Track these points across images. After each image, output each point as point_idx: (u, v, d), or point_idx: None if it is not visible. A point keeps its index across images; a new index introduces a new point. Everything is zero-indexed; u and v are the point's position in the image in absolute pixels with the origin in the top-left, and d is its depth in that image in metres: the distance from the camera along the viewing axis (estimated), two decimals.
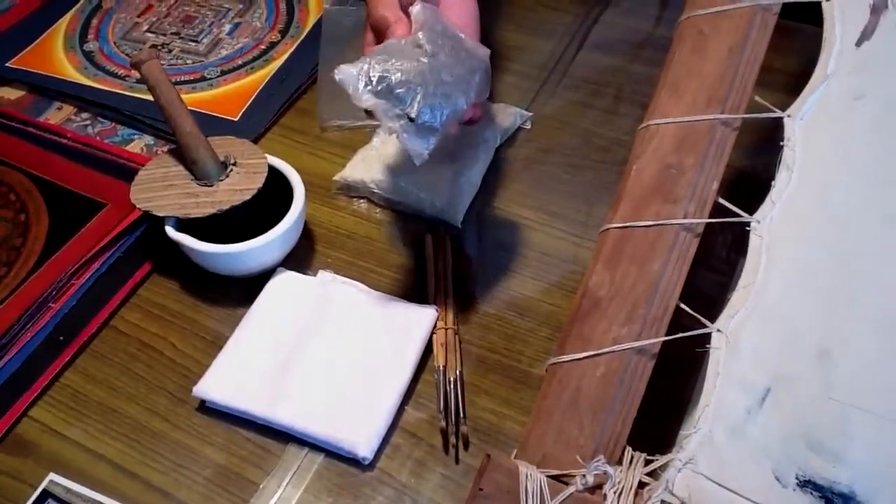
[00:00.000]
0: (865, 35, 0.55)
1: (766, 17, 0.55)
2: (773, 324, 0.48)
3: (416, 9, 0.56)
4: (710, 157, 0.53)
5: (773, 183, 0.52)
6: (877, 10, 0.55)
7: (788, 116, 0.53)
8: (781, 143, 0.52)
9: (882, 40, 0.54)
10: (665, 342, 0.49)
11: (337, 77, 0.53)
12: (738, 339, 0.48)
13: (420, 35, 0.55)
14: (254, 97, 0.82)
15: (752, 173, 0.68)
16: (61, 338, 0.63)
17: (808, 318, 0.48)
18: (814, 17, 0.57)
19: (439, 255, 0.67)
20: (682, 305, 0.50)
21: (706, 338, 0.49)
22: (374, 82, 0.53)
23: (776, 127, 0.53)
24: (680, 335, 0.49)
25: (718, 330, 0.49)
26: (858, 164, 0.52)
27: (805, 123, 0.53)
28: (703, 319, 0.49)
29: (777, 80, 0.64)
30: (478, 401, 0.59)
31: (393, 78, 0.52)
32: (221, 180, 0.65)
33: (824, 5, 0.56)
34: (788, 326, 0.48)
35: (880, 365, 0.46)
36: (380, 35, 0.59)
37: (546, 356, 0.61)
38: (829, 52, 0.54)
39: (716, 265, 0.63)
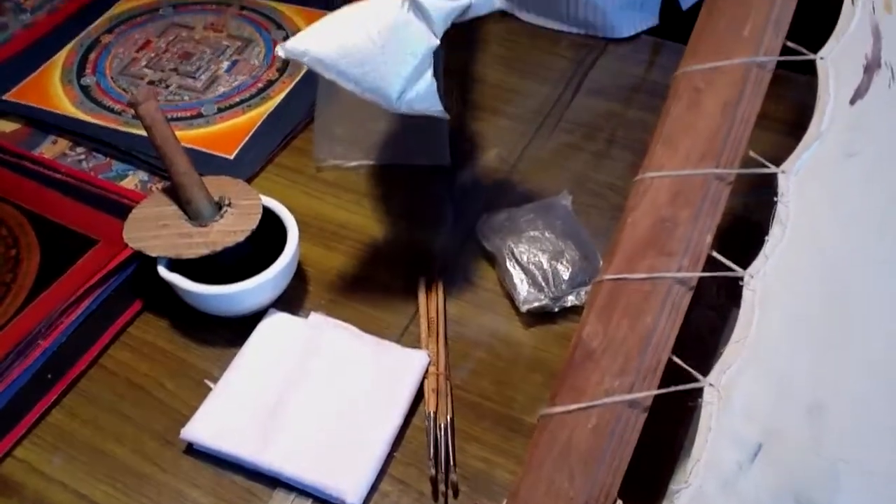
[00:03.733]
0: (859, 93, 0.55)
1: (761, 73, 0.56)
2: (766, 378, 0.48)
3: None
4: (704, 210, 0.53)
5: (766, 238, 0.52)
6: (869, 70, 0.56)
7: (782, 172, 0.53)
8: (775, 199, 0.53)
9: (875, 99, 0.55)
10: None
11: None
12: (730, 394, 0.48)
13: None
14: (250, 135, 0.82)
15: (742, 216, 0.69)
16: (49, 376, 0.63)
17: (800, 372, 0.48)
18: (806, 67, 0.58)
19: (431, 299, 0.67)
20: (675, 359, 0.50)
21: (699, 390, 0.49)
22: None
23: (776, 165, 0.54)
24: (672, 388, 0.49)
25: (711, 384, 0.49)
26: (851, 221, 0.52)
27: (799, 179, 0.53)
28: (696, 374, 0.49)
29: (770, 126, 0.65)
30: (468, 448, 0.59)
31: None
32: (215, 221, 0.65)
33: (818, 63, 0.57)
34: (780, 381, 0.48)
35: (871, 419, 0.46)
36: None
37: (538, 403, 0.61)
38: (823, 110, 0.55)
39: (708, 303, 0.63)
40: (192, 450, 0.59)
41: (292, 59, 0.57)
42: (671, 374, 0.49)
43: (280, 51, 0.56)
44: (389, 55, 0.56)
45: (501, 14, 0.95)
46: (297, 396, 0.60)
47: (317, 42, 0.56)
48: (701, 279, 0.52)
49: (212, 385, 0.61)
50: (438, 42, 0.58)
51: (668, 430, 0.52)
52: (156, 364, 0.64)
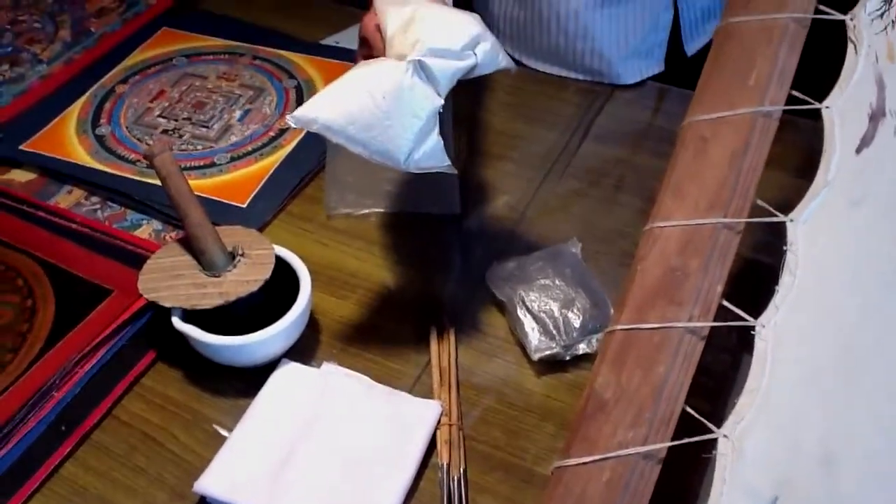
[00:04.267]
0: (865, 142, 0.56)
1: (767, 122, 0.57)
2: (780, 429, 0.48)
3: None
4: (714, 260, 0.53)
5: (776, 287, 0.52)
6: (875, 118, 0.57)
7: (791, 221, 0.54)
8: (784, 248, 0.53)
9: (880, 147, 0.56)
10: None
11: None
12: (744, 445, 0.48)
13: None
14: (262, 184, 0.83)
15: (752, 259, 0.69)
16: (63, 427, 0.63)
17: (814, 423, 0.48)
18: (812, 112, 0.58)
19: (443, 348, 0.67)
20: (689, 409, 0.50)
21: (713, 441, 0.49)
22: None
23: (783, 209, 0.54)
24: (686, 440, 0.49)
25: (725, 436, 0.48)
26: (859, 270, 0.52)
27: (807, 228, 0.54)
28: (710, 425, 0.49)
29: (776, 169, 0.65)
30: (481, 499, 0.59)
31: None
32: (229, 271, 0.65)
33: (824, 112, 0.57)
34: (794, 432, 0.48)
35: (886, 471, 0.46)
36: (371, 49, 0.63)
37: (550, 454, 0.61)
38: (830, 158, 0.55)
39: (720, 344, 0.63)
40: (205, 503, 0.59)
41: (302, 127, 0.58)
42: (685, 423, 0.49)
43: (290, 120, 0.58)
44: (396, 119, 0.58)
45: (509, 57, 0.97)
46: (310, 448, 0.60)
47: (324, 109, 0.58)
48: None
49: (222, 431, 0.61)
50: (443, 102, 0.59)
51: (683, 481, 0.52)
52: (168, 415, 0.64)
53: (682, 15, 0.92)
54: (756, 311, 0.52)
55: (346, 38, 1.04)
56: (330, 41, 1.04)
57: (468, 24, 0.61)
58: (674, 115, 0.88)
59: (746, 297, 0.52)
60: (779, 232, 0.54)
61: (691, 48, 0.95)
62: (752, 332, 0.51)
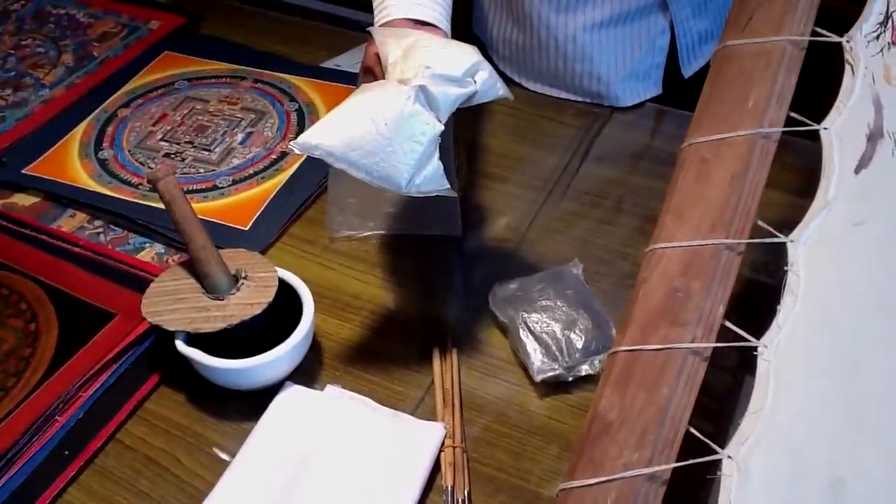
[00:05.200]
0: (863, 163, 0.56)
1: (767, 144, 0.57)
2: (784, 451, 0.48)
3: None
4: (716, 280, 0.54)
5: (777, 307, 0.52)
6: (873, 139, 0.57)
7: (791, 241, 0.54)
8: (785, 268, 0.53)
9: (879, 167, 0.56)
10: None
11: None
12: (748, 467, 0.48)
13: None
14: (264, 206, 0.84)
15: (755, 279, 0.69)
16: (66, 452, 0.63)
17: (819, 446, 0.48)
18: (810, 133, 0.59)
19: (446, 370, 0.67)
20: (693, 431, 0.50)
21: (717, 462, 0.49)
22: None
23: (782, 228, 0.54)
24: (691, 461, 0.49)
25: (729, 457, 0.48)
26: (860, 290, 0.52)
27: (808, 248, 0.54)
28: (714, 446, 0.49)
29: (777, 188, 0.66)
30: None
31: None
32: (232, 294, 0.66)
33: (822, 133, 0.58)
34: (799, 454, 0.48)
35: (892, 495, 0.46)
36: (373, 77, 0.64)
37: (555, 475, 0.61)
38: (829, 179, 0.56)
39: (722, 364, 0.63)
40: None
41: (305, 153, 0.59)
42: (689, 444, 0.49)
43: (293, 146, 0.59)
44: (397, 145, 0.58)
45: (508, 80, 0.98)
46: (314, 472, 0.60)
47: (327, 136, 0.59)
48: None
49: (224, 455, 0.61)
50: (443, 128, 0.60)
51: (689, 501, 0.52)
52: (172, 439, 0.64)
53: (678, 38, 0.93)
54: (758, 332, 0.52)
55: (347, 61, 1.05)
56: (330, 64, 1.05)
57: (468, 53, 0.62)
58: (672, 137, 0.89)
59: (748, 318, 0.52)
60: (779, 252, 0.55)
61: (688, 71, 0.96)
62: (755, 353, 0.51)
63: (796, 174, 0.77)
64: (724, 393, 0.65)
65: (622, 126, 0.93)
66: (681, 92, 0.92)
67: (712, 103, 0.61)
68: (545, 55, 0.94)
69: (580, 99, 0.96)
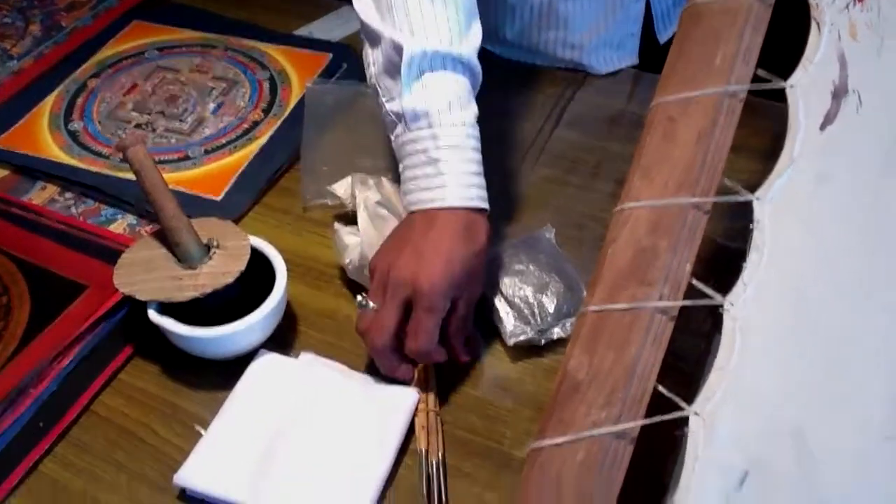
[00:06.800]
0: (828, 119, 0.57)
1: (733, 102, 0.57)
2: (750, 406, 0.49)
3: None
4: (682, 239, 0.54)
5: (743, 265, 0.53)
6: (838, 96, 0.57)
7: (757, 199, 0.54)
8: (751, 226, 0.54)
9: (843, 124, 0.56)
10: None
11: None
12: (714, 422, 0.49)
13: None
14: (237, 176, 0.83)
15: (722, 244, 0.70)
16: (41, 424, 0.63)
17: (784, 399, 0.49)
18: (780, 95, 0.59)
19: None
20: (661, 388, 0.50)
21: (685, 419, 0.49)
22: None
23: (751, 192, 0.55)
24: (658, 418, 0.49)
25: (696, 413, 0.49)
26: (825, 246, 0.53)
27: (773, 206, 0.54)
28: (681, 402, 0.49)
29: (746, 155, 0.66)
30: (460, 484, 0.59)
31: None
32: (204, 263, 0.65)
33: (788, 90, 0.58)
34: (764, 408, 0.49)
35: (856, 446, 0.47)
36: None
37: (527, 437, 0.61)
38: (794, 137, 0.56)
39: (694, 329, 0.63)
40: (185, 496, 0.59)
41: None
42: (659, 406, 0.50)
43: None
44: None
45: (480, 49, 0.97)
46: (289, 438, 0.60)
47: None
48: (689, 307, 0.53)
49: (202, 431, 0.61)
50: None
51: (657, 458, 0.52)
52: (147, 409, 0.64)
53: (653, 4, 0.92)
54: (727, 294, 0.52)
55: (320, 29, 1.04)
56: (303, 31, 1.04)
57: None
58: (647, 101, 0.88)
59: (718, 283, 0.53)
60: (750, 216, 0.55)
61: (664, 36, 0.95)
62: (721, 311, 0.52)
63: (765, 139, 0.77)
64: (696, 359, 0.65)
65: (596, 91, 0.92)
66: (658, 59, 0.91)
67: (680, 63, 0.61)
68: (518, 21, 0.93)
69: (554, 66, 0.95)
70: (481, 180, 0.65)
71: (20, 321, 0.69)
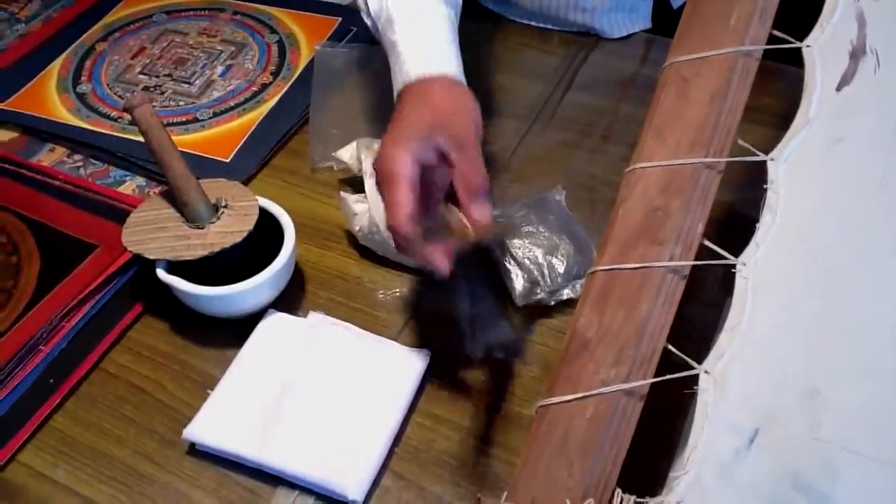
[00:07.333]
0: (845, 80, 0.56)
1: (748, 62, 0.57)
2: (760, 364, 0.49)
3: None
4: (695, 199, 0.53)
5: (757, 225, 0.52)
6: (855, 56, 0.56)
7: (772, 160, 0.54)
8: (765, 186, 0.53)
9: (861, 85, 0.56)
10: (654, 383, 0.49)
11: None
12: (725, 380, 0.49)
13: None
14: (245, 138, 0.83)
15: (738, 211, 0.69)
16: (51, 380, 0.63)
17: (795, 358, 0.48)
18: (796, 58, 0.58)
19: None
20: (671, 347, 0.50)
21: (694, 379, 0.49)
22: None
23: (763, 164, 0.54)
24: (667, 377, 0.49)
25: (706, 371, 0.49)
26: (840, 207, 0.52)
27: (788, 167, 0.54)
28: (691, 361, 0.49)
29: (762, 119, 0.65)
30: (467, 442, 0.59)
31: None
32: (212, 223, 0.65)
33: (804, 51, 0.57)
34: (775, 367, 0.49)
35: (867, 405, 0.47)
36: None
37: (535, 396, 0.61)
38: (810, 97, 0.55)
39: (706, 299, 0.63)
40: (194, 450, 0.59)
41: None
42: (668, 365, 0.50)
43: None
44: None
45: (491, 13, 0.96)
46: (298, 395, 0.60)
47: None
48: (700, 274, 0.52)
49: (211, 393, 0.61)
50: None
51: (666, 419, 0.52)
52: (157, 366, 0.65)
53: None
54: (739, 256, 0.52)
55: None
56: None
57: None
58: (660, 64, 0.87)
59: (730, 246, 0.52)
60: (764, 183, 0.54)
61: (678, 1, 0.94)
62: (733, 271, 0.52)
63: (781, 103, 0.77)
64: (709, 325, 0.65)
65: (609, 54, 0.92)
66: (671, 24, 0.90)
67: (694, 22, 0.60)
68: None
69: (566, 29, 0.94)
70: (448, 47, 0.63)
71: (30, 280, 0.70)
